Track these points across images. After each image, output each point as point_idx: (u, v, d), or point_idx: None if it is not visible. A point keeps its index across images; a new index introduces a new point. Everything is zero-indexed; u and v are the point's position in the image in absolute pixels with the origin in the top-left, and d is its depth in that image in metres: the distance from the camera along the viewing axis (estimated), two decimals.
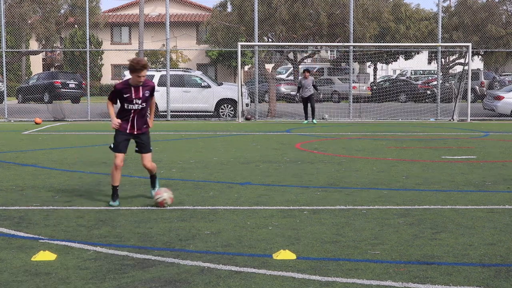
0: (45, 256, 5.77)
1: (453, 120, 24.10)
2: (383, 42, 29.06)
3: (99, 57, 48.47)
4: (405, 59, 42.26)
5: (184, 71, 26.26)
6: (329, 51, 48.50)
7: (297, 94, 23.02)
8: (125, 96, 8.04)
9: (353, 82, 27.04)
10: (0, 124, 22.93)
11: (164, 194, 8.03)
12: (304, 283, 5.10)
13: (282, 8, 25.00)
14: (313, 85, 22.42)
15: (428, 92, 34.85)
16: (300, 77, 23.13)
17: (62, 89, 35.38)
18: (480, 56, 38.71)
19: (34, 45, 41.90)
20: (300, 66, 35.43)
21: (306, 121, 22.76)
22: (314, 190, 9.20)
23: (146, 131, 8.32)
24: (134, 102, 8.07)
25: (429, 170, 11.15)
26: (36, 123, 22.34)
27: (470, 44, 24.74)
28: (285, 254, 5.79)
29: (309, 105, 22.52)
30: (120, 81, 8.36)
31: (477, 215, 7.53)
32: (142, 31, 40.79)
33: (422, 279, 5.18)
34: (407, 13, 34.79)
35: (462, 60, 28.65)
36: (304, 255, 5.87)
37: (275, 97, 27.03)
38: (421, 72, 52.57)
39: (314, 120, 22.57)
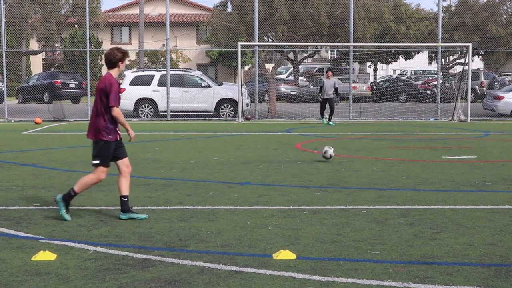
0: (45, 256, 5.77)
1: (453, 120, 24.10)
2: (383, 42, 29.07)
3: (99, 57, 48.41)
4: (405, 59, 42.26)
5: (184, 71, 26.26)
6: (329, 51, 48.49)
7: (319, 94, 21.91)
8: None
9: (353, 82, 27.02)
10: (0, 124, 22.93)
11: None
12: (304, 283, 5.10)
13: (282, 8, 25.00)
14: (334, 88, 21.59)
15: (428, 92, 34.83)
16: (322, 77, 22.40)
17: (62, 89, 35.34)
18: (480, 56, 38.76)
19: (34, 45, 41.90)
20: (300, 66, 35.41)
21: (324, 120, 22.02)
22: (314, 190, 9.19)
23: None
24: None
25: (429, 170, 11.15)
26: (36, 123, 22.32)
27: (470, 44, 24.73)
28: (285, 254, 5.78)
29: (327, 105, 21.76)
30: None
31: (477, 215, 7.52)
32: (142, 31, 40.79)
33: (422, 279, 5.18)
34: (407, 13, 34.78)
35: (462, 60, 28.65)
36: (304, 255, 5.87)
37: (275, 97, 27.02)
38: (421, 72, 52.55)
39: (331, 122, 21.97)
